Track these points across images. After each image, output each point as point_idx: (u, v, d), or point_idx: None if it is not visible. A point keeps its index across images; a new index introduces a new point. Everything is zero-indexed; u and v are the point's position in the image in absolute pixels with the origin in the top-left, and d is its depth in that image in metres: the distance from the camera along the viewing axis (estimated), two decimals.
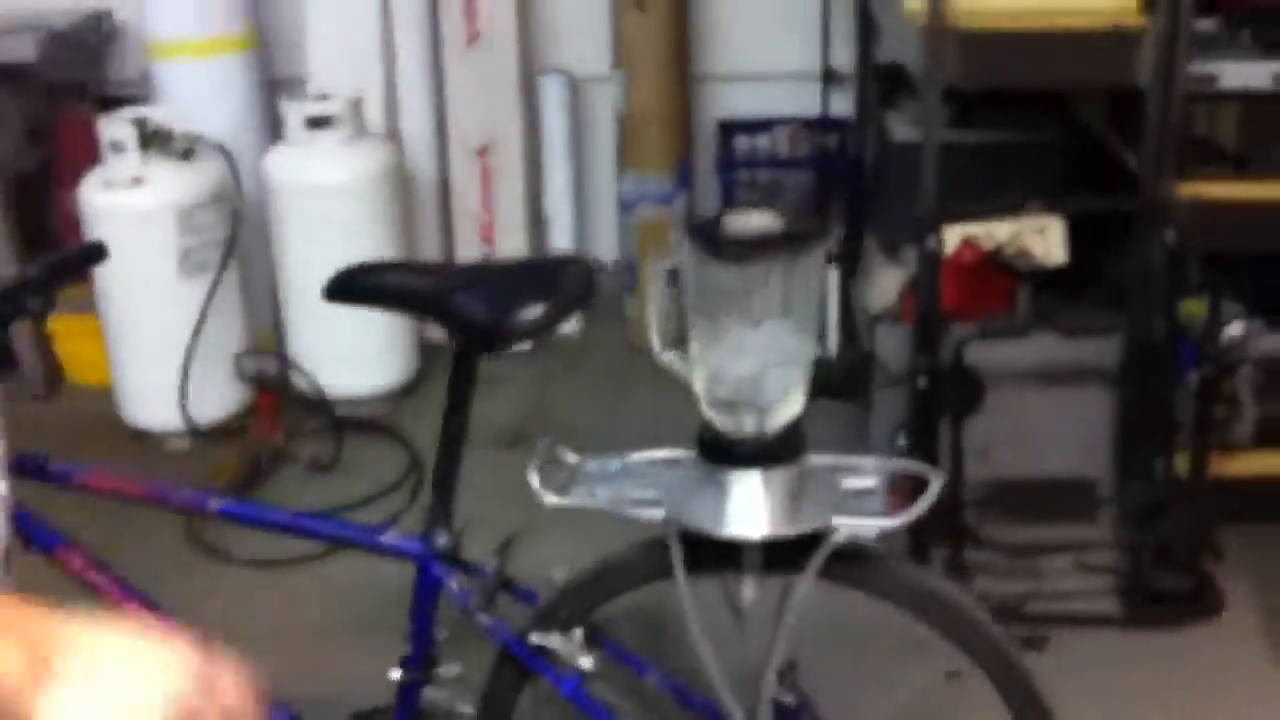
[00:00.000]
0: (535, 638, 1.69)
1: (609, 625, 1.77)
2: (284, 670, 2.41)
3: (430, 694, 1.82)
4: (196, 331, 3.48)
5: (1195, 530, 2.75)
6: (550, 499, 1.61)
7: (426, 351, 3.85)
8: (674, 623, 1.67)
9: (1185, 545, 2.75)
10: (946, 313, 3.01)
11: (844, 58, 3.85)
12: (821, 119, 3.62)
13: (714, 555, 1.58)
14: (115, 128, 3.44)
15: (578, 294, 1.64)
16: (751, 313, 1.51)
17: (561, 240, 4.06)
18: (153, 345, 3.52)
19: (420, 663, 1.78)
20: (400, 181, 3.75)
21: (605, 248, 4.15)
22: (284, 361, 3.69)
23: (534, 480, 1.62)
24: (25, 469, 1.76)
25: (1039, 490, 3.01)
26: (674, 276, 1.55)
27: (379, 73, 3.84)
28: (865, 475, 1.63)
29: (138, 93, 3.87)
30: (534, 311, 1.58)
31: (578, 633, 1.70)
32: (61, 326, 3.91)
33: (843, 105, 3.92)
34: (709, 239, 1.49)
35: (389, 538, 1.75)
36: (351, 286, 1.65)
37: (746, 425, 1.55)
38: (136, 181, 3.43)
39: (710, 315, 1.52)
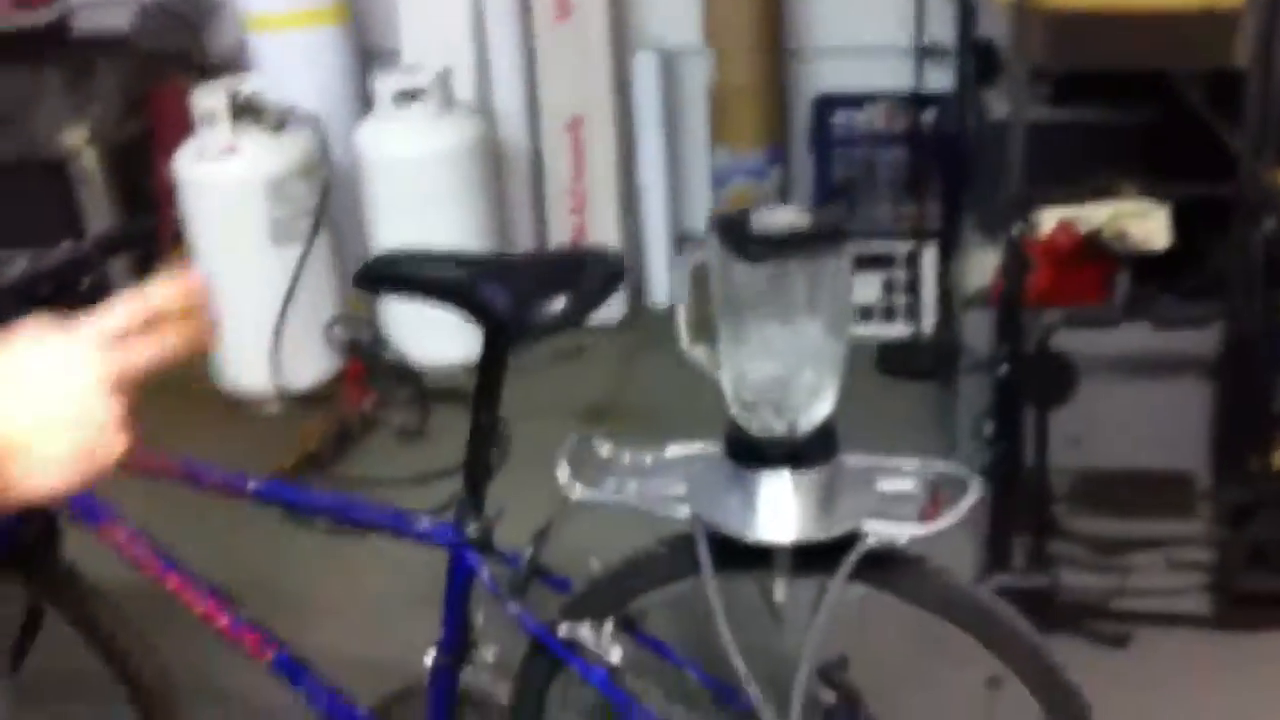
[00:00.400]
0: (564, 629, 1.67)
1: (644, 618, 1.75)
2: (341, 640, 2.47)
3: (468, 677, 1.81)
4: (287, 299, 3.52)
5: None
6: (577, 491, 1.59)
7: None
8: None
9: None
10: (1039, 298, 2.93)
11: (944, 32, 3.74)
12: (918, 95, 3.51)
13: (744, 554, 1.54)
14: (208, 99, 3.48)
15: (601, 289, 1.62)
16: (778, 312, 1.47)
17: (654, 214, 4.02)
18: (246, 312, 3.56)
19: (454, 647, 1.78)
20: (489, 154, 3.75)
21: (698, 221, 4.10)
22: (374, 330, 3.72)
23: (562, 472, 1.60)
24: None
25: (1131, 483, 2.92)
26: (702, 271, 1.51)
27: (471, 46, 3.83)
28: (904, 478, 1.58)
29: (235, 64, 3.92)
30: (556, 306, 1.56)
31: (608, 625, 1.67)
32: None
33: (942, 81, 3.81)
34: (735, 235, 1.45)
35: (421, 525, 1.74)
36: (380, 275, 1.64)
37: (775, 426, 1.51)
38: (228, 152, 3.47)
39: (737, 313, 1.48)
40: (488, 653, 1.83)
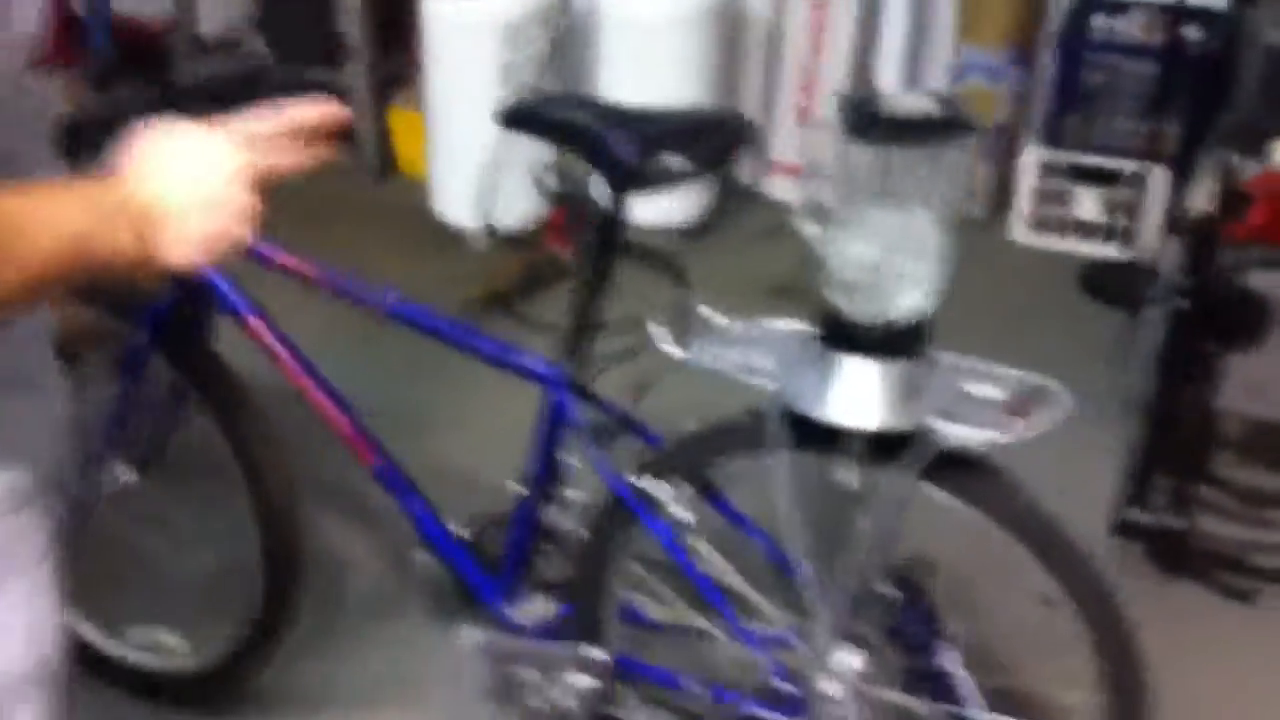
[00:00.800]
0: (639, 482, 1.71)
1: (728, 485, 1.77)
2: (456, 457, 2.56)
3: (550, 513, 1.88)
4: (502, 141, 3.59)
5: None
6: (671, 350, 1.61)
7: (727, 195, 3.86)
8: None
9: None
10: (1251, 234, 2.77)
11: None
12: (1182, 7, 3.30)
13: (820, 435, 1.54)
14: None
15: (724, 149, 1.62)
16: (888, 196, 1.44)
17: None
18: (465, 150, 3.65)
19: (540, 482, 1.84)
20: (726, 21, 3.73)
21: None
22: (582, 182, 3.77)
23: (658, 332, 1.62)
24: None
25: None
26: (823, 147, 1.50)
27: None
28: (995, 384, 1.55)
29: None
30: (676, 160, 1.57)
31: (682, 485, 1.70)
32: (398, 120, 4.14)
33: None
34: (857, 115, 1.42)
35: (524, 359, 1.79)
36: (519, 115, 1.68)
37: (868, 311, 1.49)
38: None
39: (850, 193, 1.46)
40: (574, 493, 1.89)
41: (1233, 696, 2.30)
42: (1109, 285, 3.47)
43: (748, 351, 1.61)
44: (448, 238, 3.84)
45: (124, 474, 2.11)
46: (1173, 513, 2.54)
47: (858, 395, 1.49)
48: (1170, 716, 2.20)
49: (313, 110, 1.08)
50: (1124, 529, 2.56)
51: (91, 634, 2.25)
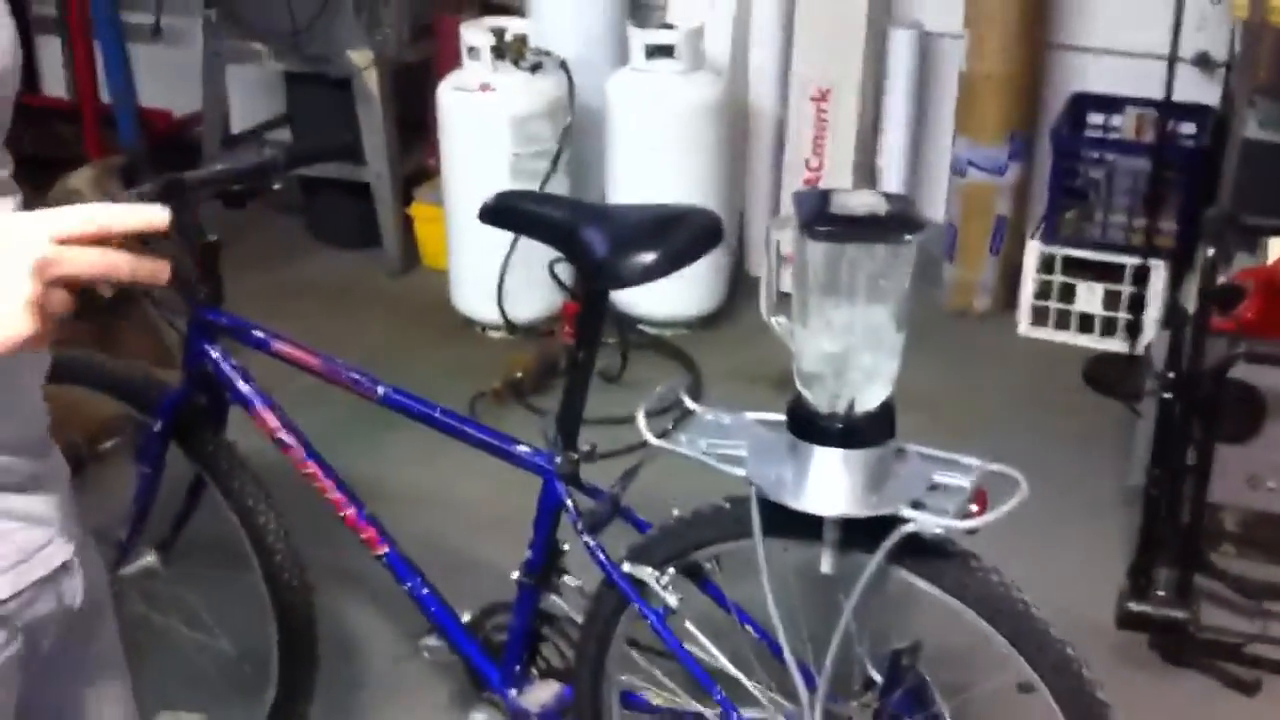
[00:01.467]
0: (628, 568, 1.78)
1: (715, 570, 1.83)
2: (453, 547, 2.62)
3: (549, 600, 1.95)
4: (518, 235, 3.71)
5: None
6: (651, 439, 1.68)
7: (737, 286, 3.96)
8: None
9: None
10: (1244, 327, 2.83)
11: (1216, 43, 3.61)
12: (1170, 104, 3.40)
13: (795, 522, 1.61)
14: (474, 35, 3.70)
15: (695, 245, 1.70)
16: (843, 292, 1.52)
17: None
18: (482, 243, 3.75)
19: (539, 569, 1.91)
20: (732, 115, 3.85)
21: (934, 209, 4.09)
22: None
23: (640, 419, 1.69)
24: (238, 333, 2.00)
25: None
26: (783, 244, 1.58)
27: (732, 5, 3.91)
28: (960, 473, 1.61)
29: (518, 2, 4.12)
30: (648, 256, 1.65)
31: (669, 571, 1.77)
32: (420, 212, 4.26)
33: (1204, 94, 3.68)
34: (810, 213, 1.51)
35: (520, 449, 1.87)
36: (499, 210, 1.77)
37: (832, 403, 1.56)
38: (484, 88, 3.68)
39: (807, 289, 1.54)
40: (572, 580, 1.96)
41: None
42: (1111, 378, 3.53)
43: (726, 441, 1.68)
44: (467, 329, 3.95)
45: (146, 558, 2.19)
46: (1175, 604, 2.57)
47: (825, 484, 1.56)
48: None
49: (131, 215, 0.97)
50: (1128, 620, 2.59)
51: None
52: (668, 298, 3.82)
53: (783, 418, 1.64)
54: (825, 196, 1.53)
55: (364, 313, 4.02)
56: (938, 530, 1.55)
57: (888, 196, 1.53)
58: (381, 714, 2.49)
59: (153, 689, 2.34)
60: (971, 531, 1.55)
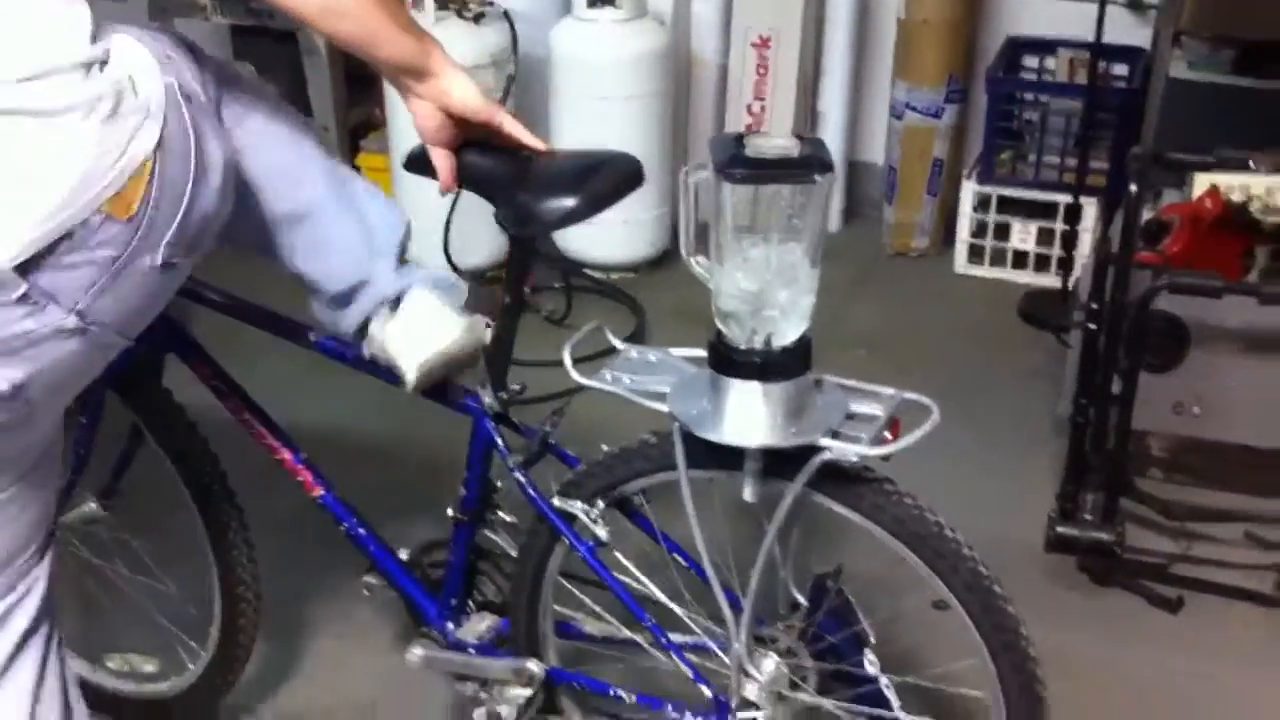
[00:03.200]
0: (558, 503, 1.84)
1: (644, 503, 1.89)
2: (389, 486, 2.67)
3: (485, 536, 2.01)
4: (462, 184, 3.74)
5: None
6: (576, 376, 1.74)
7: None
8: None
9: None
10: (1171, 261, 2.91)
11: None
12: (1101, 46, 3.46)
13: (718, 454, 1.67)
14: None
15: (614, 190, 1.74)
16: (758, 232, 1.57)
17: (832, 139, 4.08)
18: (426, 192, 3.77)
19: (473, 506, 1.96)
20: (673, 64, 3.88)
21: (875, 152, 4.15)
22: None
23: (566, 358, 1.75)
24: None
25: (1231, 456, 2.89)
26: (702, 186, 1.63)
27: None
28: (875, 402, 1.67)
29: None
30: (569, 201, 1.70)
31: (599, 505, 1.83)
32: (367, 163, 4.28)
33: (1137, 36, 3.74)
34: (726, 156, 1.55)
35: (451, 391, 1.92)
36: (422, 159, 1.81)
37: (750, 338, 1.62)
38: None
39: (724, 230, 1.59)
40: (506, 517, 2.02)
41: (1159, 699, 2.43)
42: (1045, 312, 3.62)
43: (651, 378, 1.74)
44: None
45: (87, 505, 2.23)
46: (1101, 527, 2.66)
47: (744, 416, 1.62)
48: (1099, 714, 2.34)
49: None
50: (1058, 543, 2.68)
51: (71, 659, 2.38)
52: (612, 242, 3.88)
53: (704, 354, 1.69)
54: (739, 140, 1.57)
55: None
56: (853, 457, 1.61)
57: (800, 139, 1.57)
58: (326, 653, 2.56)
59: (101, 633, 2.41)
60: (885, 458, 1.60)
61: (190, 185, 1.49)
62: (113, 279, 1.43)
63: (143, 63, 1.47)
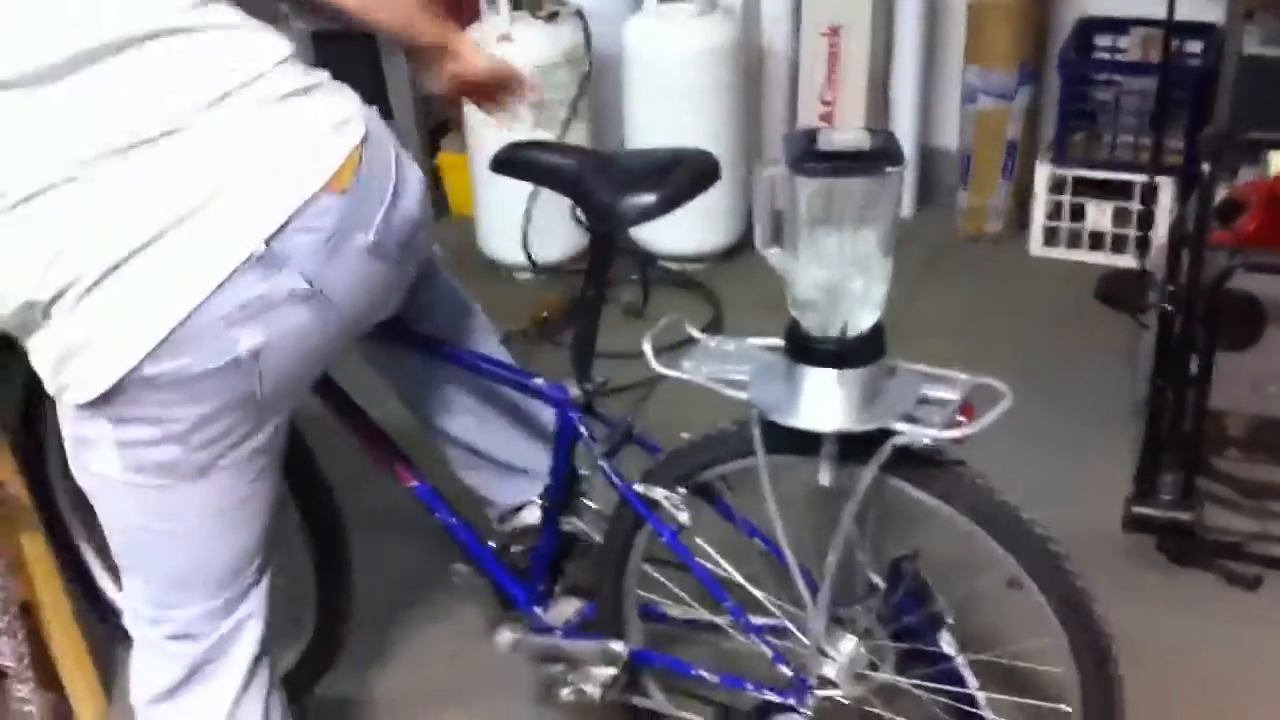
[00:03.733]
0: (640, 488, 1.90)
1: (727, 489, 1.95)
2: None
3: (570, 523, 2.07)
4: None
5: None
6: (656, 366, 1.79)
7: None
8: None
9: None
10: (1245, 240, 2.91)
11: None
12: (1174, 23, 3.44)
13: (795, 440, 1.72)
14: None
15: (692, 186, 1.80)
16: (832, 224, 1.62)
17: (904, 126, 4.11)
18: (506, 187, 3.82)
19: (559, 494, 2.03)
20: (746, 56, 3.92)
21: (948, 137, 4.16)
22: None
23: (647, 347, 1.80)
24: None
25: None
26: (776, 181, 1.68)
27: None
28: (948, 387, 1.71)
29: None
30: (648, 198, 1.76)
31: (680, 490, 1.89)
32: (445, 162, 4.37)
33: (1215, 12, 3.72)
34: (798, 151, 1.61)
35: (536, 382, 1.99)
36: (507, 161, 1.87)
37: (826, 327, 1.67)
38: (503, 38, 3.77)
39: (798, 222, 1.64)
40: (591, 504, 2.08)
41: (1237, 676, 2.44)
42: (1122, 294, 3.60)
43: (729, 367, 1.79)
44: (494, 272, 4.06)
45: None
46: (1180, 507, 2.67)
47: (820, 402, 1.67)
48: (1179, 695, 2.37)
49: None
50: (1135, 523, 2.70)
51: None
52: (689, 234, 3.93)
53: (781, 343, 1.74)
54: (812, 135, 1.62)
55: None
56: (925, 440, 1.65)
57: (871, 132, 1.62)
58: (416, 639, 2.64)
59: None
60: (959, 441, 1.65)
61: (393, 183, 1.69)
62: (333, 250, 1.61)
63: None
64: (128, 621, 1.85)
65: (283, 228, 1.56)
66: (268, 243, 1.54)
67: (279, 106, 1.60)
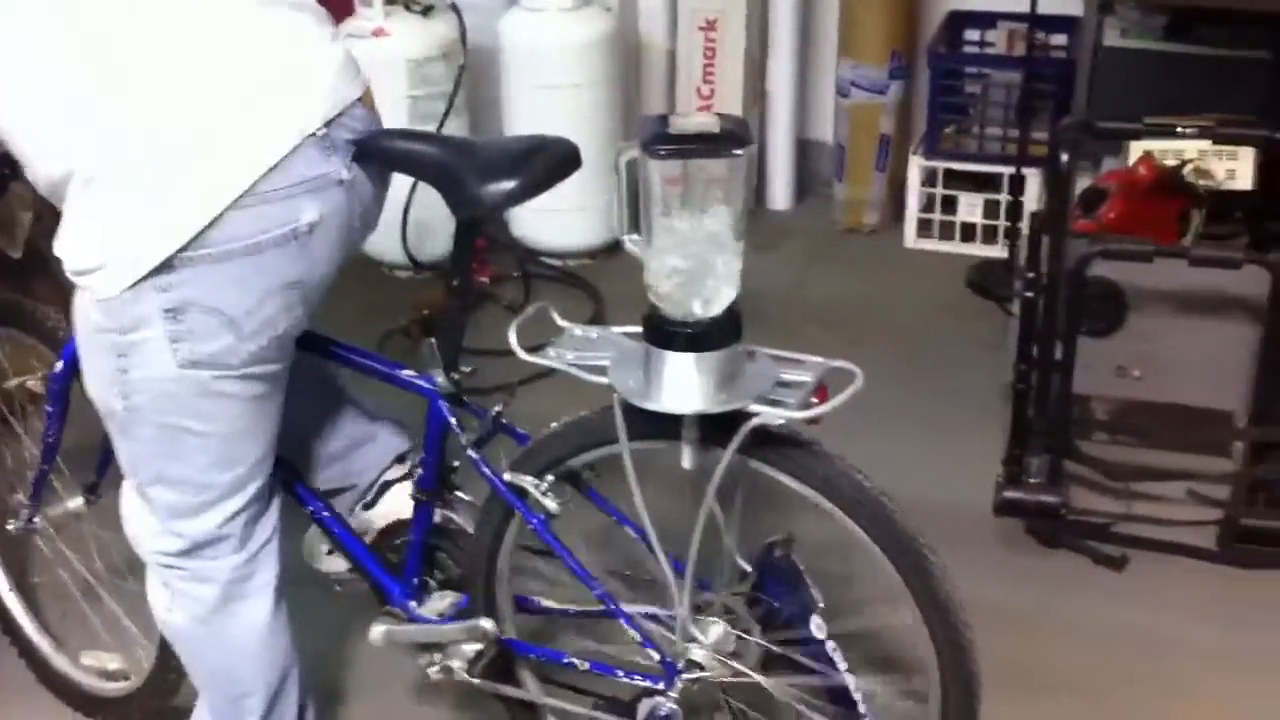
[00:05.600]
0: (509, 478, 1.90)
1: (591, 477, 1.96)
2: None
3: (443, 513, 2.07)
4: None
5: None
6: (521, 354, 1.80)
7: None
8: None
9: None
10: (1108, 227, 2.99)
11: None
12: (1037, 17, 3.54)
13: (657, 424, 1.73)
14: None
15: (552, 173, 1.81)
16: (684, 207, 1.64)
17: (781, 118, 4.16)
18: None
19: (431, 486, 2.03)
20: (621, 50, 3.94)
21: (824, 130, 4.22)
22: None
23: (512, 336, 1.81)
24: None
25: (1172, 416, 2.97)
26: (633, 166, 1.69)
27: None
28: (803, 369, 1.74)
29: None
30: (508, 184, 1.76)
31: (548, 478, 1.89)
32: None
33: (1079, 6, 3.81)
34: (649, 135, 1.62)
35: (404, 374, 1.99)
36: (369, 149, 1.85)
37: (682, 310, 1.68)
38: (378, 33, 3.75)
39: (654, 205, 1.66)
40: (463, 495, 2.08)
41: (1106, 654, 2.50)
42: (992, 282, 3.70)
43: (592, 354, 1.80)
44: (375, 269, 4.04)
45: (72, 501, 2.31)
46: (1046, 490, 2.74)
47: (678, 385, 1.68)
48: (1049, 674, 2.42)
49: None
50: (1004, 506, 2.76)
51: (46, 648, 2.48)
52: (569, 229, 3.95)
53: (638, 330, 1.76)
54: (664, 119, 1.64)
55: None
56: (781, 421, 1.68)
57: (721, 116, 1.64)
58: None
59: (76, 623, 2.46)
60: (814, 421, 1.67)
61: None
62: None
63: None
64: (151, 548, 1.95)
65: (337, 118, 1.75)
66: (326, 126, 1.73)
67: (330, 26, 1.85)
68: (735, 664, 1.93)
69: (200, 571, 1.94)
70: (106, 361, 1.76)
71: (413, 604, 2.13)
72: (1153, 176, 3.02)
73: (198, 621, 1.98)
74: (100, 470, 2.25)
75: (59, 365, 2.15)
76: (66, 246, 1.72)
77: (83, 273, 1.72)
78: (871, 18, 3.89)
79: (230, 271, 1.69)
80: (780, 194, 4.23)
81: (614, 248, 4.04)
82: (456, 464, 2.05)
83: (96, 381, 1.82)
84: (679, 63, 4.10)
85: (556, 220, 3.90)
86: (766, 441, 1.73)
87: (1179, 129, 2.73)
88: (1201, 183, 3.01)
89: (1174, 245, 2.79)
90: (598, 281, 3.89)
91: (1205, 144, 2.95)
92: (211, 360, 1.74)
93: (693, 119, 1.63)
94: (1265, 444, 2.73)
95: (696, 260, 1.66)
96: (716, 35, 4.01)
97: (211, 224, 1.65)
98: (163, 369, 1.74)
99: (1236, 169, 3.03)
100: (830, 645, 1.94)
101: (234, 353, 1.75)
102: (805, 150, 4.29)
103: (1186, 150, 3.01)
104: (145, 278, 1.67)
